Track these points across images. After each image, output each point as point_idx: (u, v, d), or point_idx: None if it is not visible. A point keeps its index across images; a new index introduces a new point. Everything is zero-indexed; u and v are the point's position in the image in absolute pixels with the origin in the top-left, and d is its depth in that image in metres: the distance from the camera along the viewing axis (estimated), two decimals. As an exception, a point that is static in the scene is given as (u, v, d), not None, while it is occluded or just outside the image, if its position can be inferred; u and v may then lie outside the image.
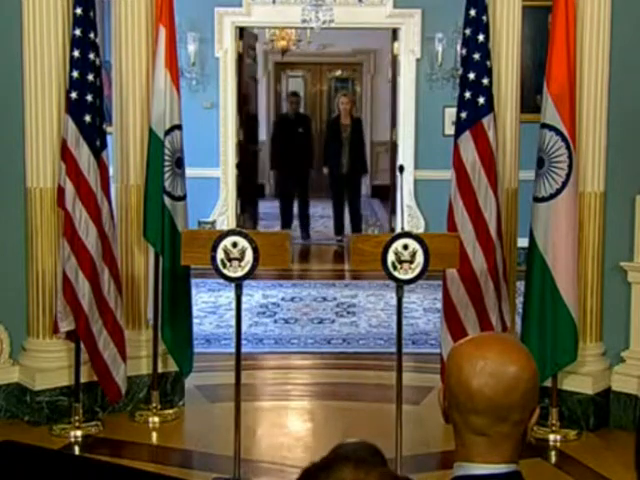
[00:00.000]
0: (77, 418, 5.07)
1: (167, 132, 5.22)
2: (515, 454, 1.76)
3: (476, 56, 5.03)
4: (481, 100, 5.01)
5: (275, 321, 7.73)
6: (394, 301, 4.77)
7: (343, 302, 8.41)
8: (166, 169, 5.22)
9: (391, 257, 4.51)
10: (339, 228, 11.71)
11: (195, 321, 5.87)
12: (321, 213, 14.26)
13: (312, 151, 12.12)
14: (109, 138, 5.21)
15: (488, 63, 5.04)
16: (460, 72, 5.24)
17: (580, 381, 5.17)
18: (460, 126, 5.09)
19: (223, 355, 6.34)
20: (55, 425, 5.09)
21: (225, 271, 4.56)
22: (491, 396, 1.69)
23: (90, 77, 4.94)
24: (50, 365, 5.17)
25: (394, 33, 10.23)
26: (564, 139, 4.90)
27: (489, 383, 1.69)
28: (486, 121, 5.02)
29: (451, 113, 7.80)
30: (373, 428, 5.14)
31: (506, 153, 5.27)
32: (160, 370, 5.44)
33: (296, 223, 11.75)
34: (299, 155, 11.68)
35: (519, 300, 5.48)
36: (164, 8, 5.18)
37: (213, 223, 9.90)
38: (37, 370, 5.17)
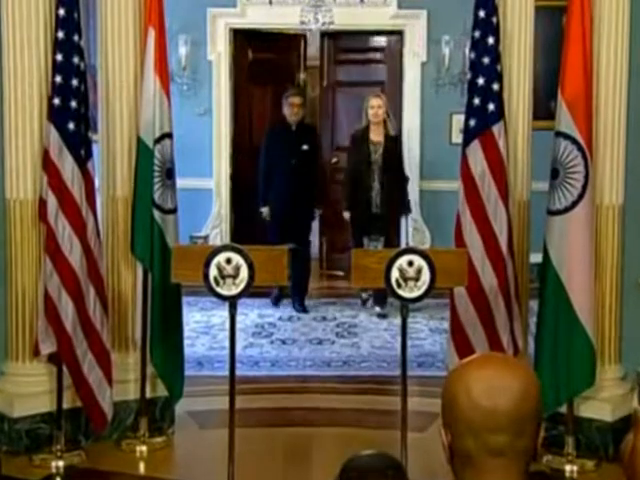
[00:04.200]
0: (59, 447, 5.03)
1: (157, 141, 5.21)
2: (527, 477, 1.82)
3: (485, 60, 5.03)
4: (491, 107, 5.01)
5: (272, 342, 7.70)
6: (398, 321, 4.76)
7: (344, 322, 8.37)
8: (156, 180, 5.21)
9: (395, 274, 4.51)
10: (380, 297, 8.41)
11: (186, 342, 5.85)
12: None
13: (325, 180, 9.10)
14: (95, 147, 5.21)
15: (498, 67, 5.05)
16: (468, 77, 5.24)
17: (598, 407, 5.15)
18: (468, 134, 5.10)
19: (216, 378, 6.29)
20: (35, 455, 5.06)
21: (218, 289, 4.57)
22: (508, 410, 1.75)
23: (74, 82, 4.94)
24: (30, 390, 5.14)
25: (399, 35, 10.22)
26: (580, 148, 4.89)
27: (502, 399, 1.75)
28: (496, 129, 5.02)
29: (459, 120, 7.79)
30: (376, 457, 5.10)
31: (517, 163, 5.26)
32: (149, 395, 5.41)
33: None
34: (302, 186, 8.48)
35: (532, 320, 5.46)
36: (153, 9, 5.18)
37: (206, 238, 9.87)
38: (16, 396, 5.14)
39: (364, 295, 8.69)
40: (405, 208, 8.52)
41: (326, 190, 9.04)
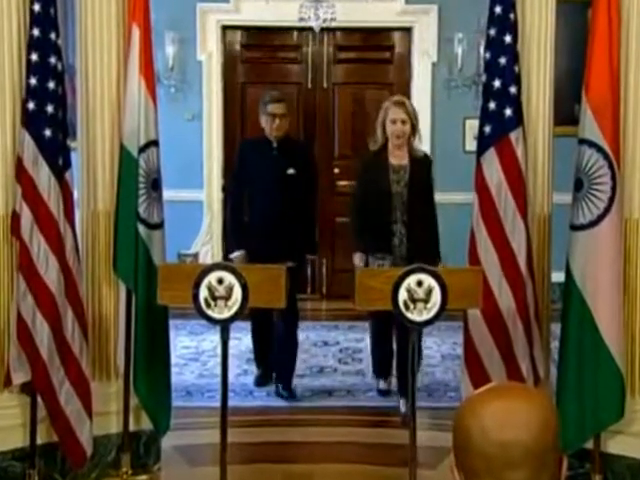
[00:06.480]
0: (32, 486, 5.02)
1: (142, 149, 5.21)
2: None
3: (502, 60, 5.04)
4: (508, 111, 5.01)
5: (268, 369, 7.69)
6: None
7: (347, 347, 8.38)
8: (140, 192, 5.20)
9: (403, 295, 4.51)
10: (382, 364, 7.19)
11: (174, 370, 5.84)
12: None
13: (314, 221, 7.35)
14: (73, 156, 5.19)
15: (516, 68, 5.05)
16: (483, 79, 5.23)
17: (628, 443, 5.12)
18: (483, 141, 5.10)
19: (207, 410, 6.33)
20: (6, 495, 5.05)
21: (209, 312, 4.57)
22: (526, 444, 1.76)
23: (51, 84, 4.93)
24: (0, 424, 5.10)
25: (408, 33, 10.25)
26: (606, 157, 4.88)
27: (519, 431, 1.76)
28: (514, 136, 5.02)
29: (473, 126, 7.79)
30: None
31: (537, 173, 5.26)
32: (132, 428, 5.39)
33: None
34: (286, 226, 6.89)
35: (554, 345, 5.44)
36: (138, 4, 5.18)
37: (195, 255, 9.85)
38: (-15, 429, 5.12)
39: (382, 385, 7.15)
40: (434, 255, 6.86)
41: (314, 235, 7.38)
